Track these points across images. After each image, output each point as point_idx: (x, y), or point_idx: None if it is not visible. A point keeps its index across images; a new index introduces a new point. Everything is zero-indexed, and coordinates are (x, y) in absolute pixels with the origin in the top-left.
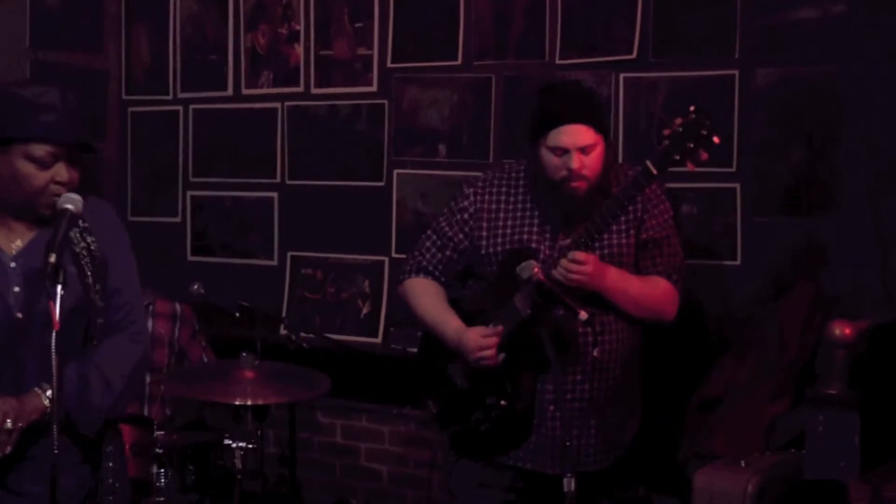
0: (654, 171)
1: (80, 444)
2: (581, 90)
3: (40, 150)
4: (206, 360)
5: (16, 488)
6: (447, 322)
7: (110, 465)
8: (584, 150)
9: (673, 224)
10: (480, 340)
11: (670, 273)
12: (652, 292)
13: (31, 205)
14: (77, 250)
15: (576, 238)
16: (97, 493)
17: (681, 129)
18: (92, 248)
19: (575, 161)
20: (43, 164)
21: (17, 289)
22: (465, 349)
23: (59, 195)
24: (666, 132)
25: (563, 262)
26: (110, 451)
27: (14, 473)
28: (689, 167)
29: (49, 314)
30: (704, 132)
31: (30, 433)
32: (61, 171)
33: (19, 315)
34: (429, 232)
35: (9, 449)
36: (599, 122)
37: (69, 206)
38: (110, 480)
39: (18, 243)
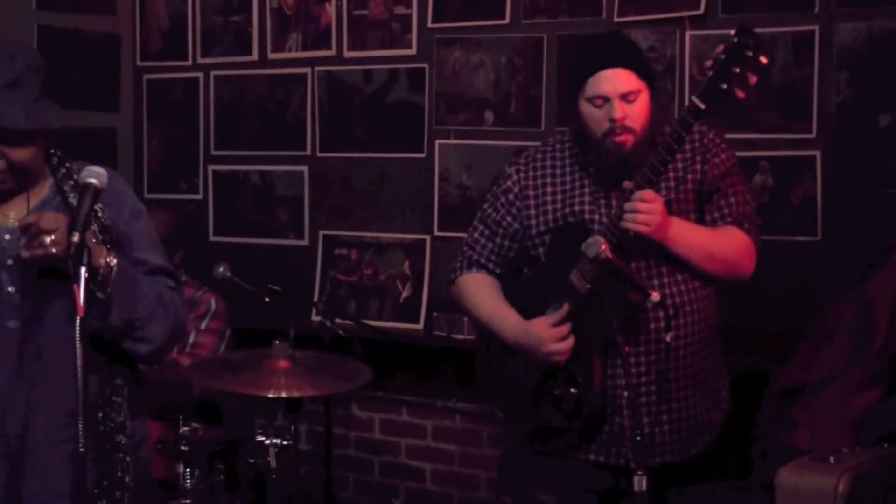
0: (702, 106)
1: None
2: (619, 36)
3: None
4: (221, 349)
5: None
6: (505, 319)
7: (120, 456)
8: (626, 98)
9: (738, 171)
10: (550, 332)
11: (741, 221)
12: (724, 242)
13: None
14: (93, 228)
15: (638, 179)
16: (102, 487)
17: (723, 56)
18: (105, 222)
19: (618, 110)
20: None
21: (10, 262)
22: (532, 345)
23: None
24: (708, 63)
25: (629, 204)
26: (122, 441)
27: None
28: (740, 95)
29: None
30: (749, 53)
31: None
32: None
33: (10, 289)
34: (475, 223)
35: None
36: (642, 67)
37: (93, 181)
38: (119, 474)
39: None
